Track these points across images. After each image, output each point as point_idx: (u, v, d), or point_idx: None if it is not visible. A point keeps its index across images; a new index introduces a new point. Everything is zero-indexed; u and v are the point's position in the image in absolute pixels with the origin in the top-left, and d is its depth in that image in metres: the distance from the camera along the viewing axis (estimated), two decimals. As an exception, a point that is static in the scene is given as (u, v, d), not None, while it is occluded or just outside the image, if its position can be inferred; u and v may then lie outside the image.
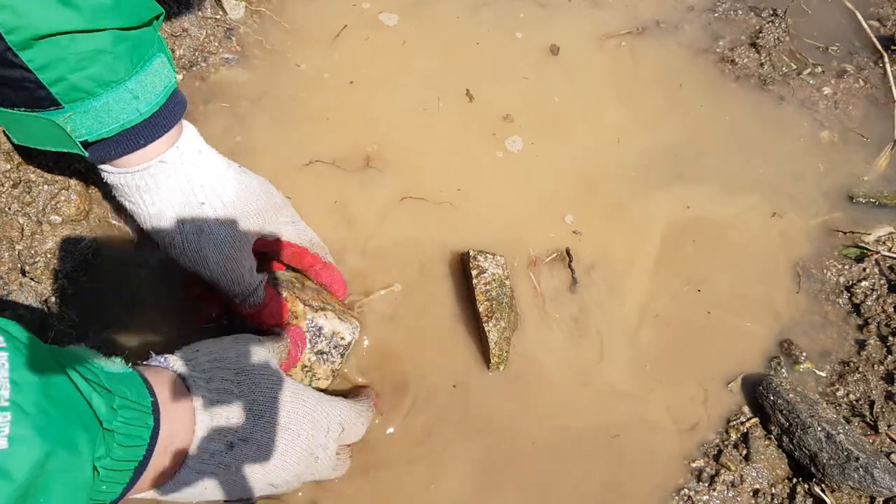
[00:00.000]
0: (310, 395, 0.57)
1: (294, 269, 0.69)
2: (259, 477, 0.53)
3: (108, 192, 0.74)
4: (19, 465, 0.34)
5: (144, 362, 0.52)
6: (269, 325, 0.63)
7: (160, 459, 0.47)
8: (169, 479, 0.48)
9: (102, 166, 0.55)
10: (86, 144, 0.52)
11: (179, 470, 0.48)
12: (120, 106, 0.50)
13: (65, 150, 0.51)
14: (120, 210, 0.74)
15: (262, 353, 0.56)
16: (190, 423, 0.49)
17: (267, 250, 0.64)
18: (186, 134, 0.57)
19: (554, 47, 0.89)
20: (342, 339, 0.65)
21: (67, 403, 0.38)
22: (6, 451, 0.34)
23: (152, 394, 0.47)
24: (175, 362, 0.51)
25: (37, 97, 0.47)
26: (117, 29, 0.48)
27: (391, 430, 0.66)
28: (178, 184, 0.56)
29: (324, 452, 0.56)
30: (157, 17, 0.53)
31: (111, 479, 0.42)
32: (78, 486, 0.38)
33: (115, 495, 0.44)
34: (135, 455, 0.44)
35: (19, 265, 0.67)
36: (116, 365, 0.46)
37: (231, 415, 0.51)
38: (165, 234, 0.57)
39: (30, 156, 0.71)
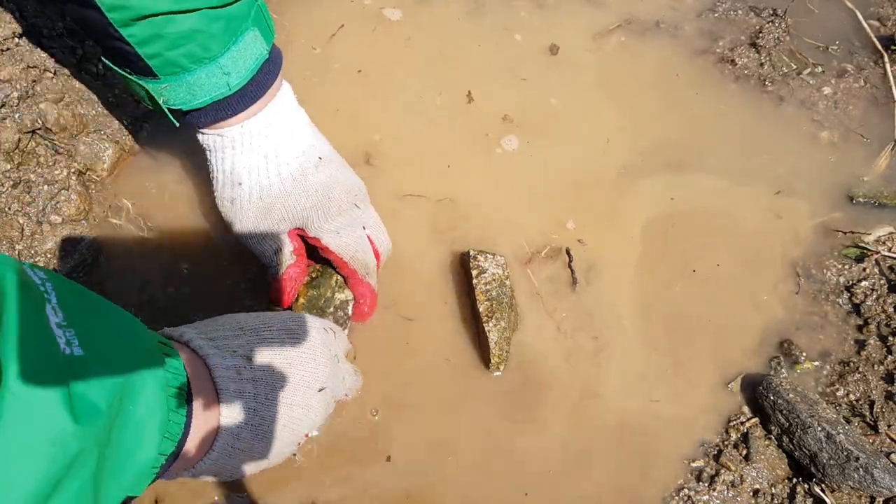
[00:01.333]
0: (290, 312, 0.60)
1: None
2: (304, 380, 0.54)
3: (108, 191, 0.74)
4: (105, 365, 0.36)
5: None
6: (272, 300, 0.65)
7: (199, 400, 0.47)
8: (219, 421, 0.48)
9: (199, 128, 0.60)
10: (181, 111, 0.56)
11: (220, 398, 0.49)
12: (212, 81, 0.54)
13: (158, 112, 0.56)
14: (120, 210, 0.74)
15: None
16: (200, 363, 0.49)
17: (314, 244, 0.65)
18: (267, 110, 0.60)
19: (553, 47, 0.89)
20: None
21: (121, 320, 0.40)
22: (83, 356, 0.35)
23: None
24: (161, 331, 0.52)
25: (137, 66, 0.52)
26: (211, 8, 0.50)
27: (395, 425, 0.66)
28: (227, 160, 0.61)
29: (338, 352, 0.60)
30: None
31: (176, 410, 0.42)
32: (159, 388, 0.40)
33: (178, 434, 0.43)
34: (182, 382, 0.44)
35: (19, 265, 0.67)
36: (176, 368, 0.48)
37: (228, 337, 0.52)
38: (215, 192, 0.64)
39: (30, 156, 0.71)
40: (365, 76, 0.87)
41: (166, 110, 0.55)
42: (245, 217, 0.62)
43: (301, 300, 0.65)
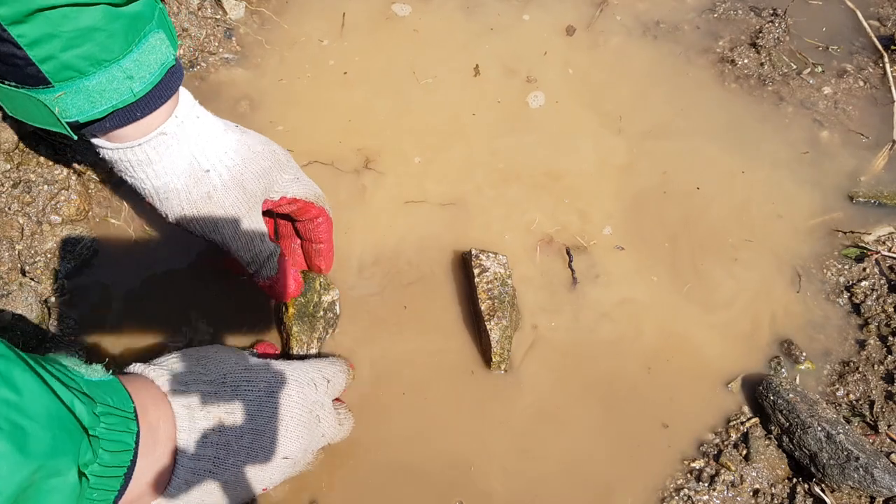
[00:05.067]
0: (280, 361, 0.58)
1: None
2: (268, 449, 0.52)
3: (108, 191, 0.74)
4: (3, 479, 0.34)
5: (120, 372, 0.52)
6: (282, 299, 0.65)
7: (149, 460, 0.46)
8: (171, 478, 0.48)
9: (98, 142, 0.53)
10: (77, 123, 0.50)
11: (177, 460, 0.48)
12: (113, 86, 0.48)
13: (52, 129, 0.50)
14: (119, 210, 0.74)
15: (226, 348, 0.58)
16: (168, 415, 0.49)
17: (273, 208, 0.63)
18: (183, 100, 0.55)
19: (570, 27, 0.89)
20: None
21: (46, 413, 0.37)
22: None
23: (132, 399, 0.47)
24: (141, 368, 0.52)
25: (26, 74, 0.45)
26: (111, 5, 0.46)
27: (396, 425, 0.66)
28: (181, 154, 0.54)
29: (322, 409, 0.58)
30: None
31: (101, 486, 0.42)
32: (66, 496, 0.38)
33: (108, 502, 0.43)
34: (123, 460, 0.43)
35: (19, 265, 0.67)
36: (97, 373, 0.46)
37: (205, 392, 0.51)
38: (174, 206, 0.55)
39: (30, 156, 0.71)
40: (362, 76, 0.87)
41: (64, 123, 0.48)
42: (228, 204, 0.56)
43: (291, 310, 0.65)
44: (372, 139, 0.82)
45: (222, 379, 0.53)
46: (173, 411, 0.49)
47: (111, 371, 0.48)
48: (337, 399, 0.63)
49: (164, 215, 0.57)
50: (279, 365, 0.57)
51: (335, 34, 0.89)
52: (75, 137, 0.51)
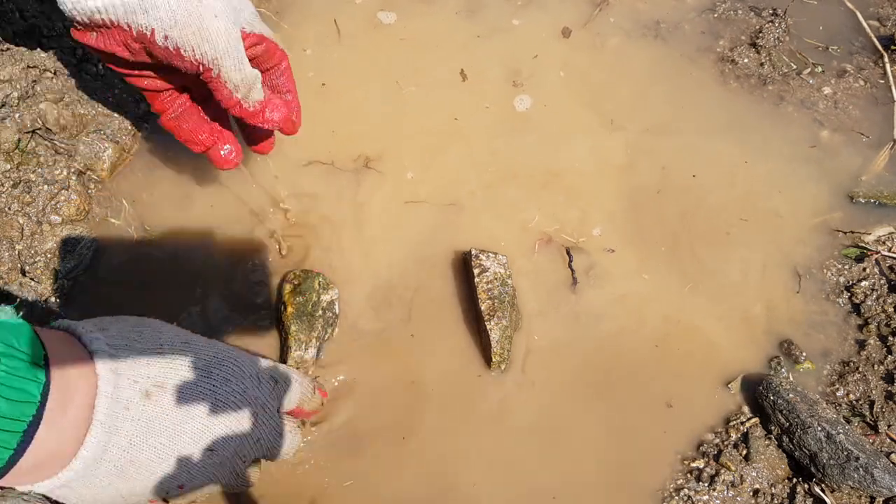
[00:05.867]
0: (226, 347, 0.53)
1: None
2: (194, 434, 0.47)
3: (108, 191, 0.74)
4: None
5: (46, 326, 0.47)
6: (277, 126, 0.61)
7: (58, 425, 0.41)
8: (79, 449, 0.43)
9: None
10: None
11: (90, 429, 0.42)
12: None
13: None
14: (119, 210, 0.74)
15: (165, 323, 0.52)
16: (90, 378, 0.43)
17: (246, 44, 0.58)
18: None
19: (566, 29, 0.89)
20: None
21: None
22: None
23: (44, 348, 0.41)
24: (67, 323, 0.46)
25: None
26: None
27: (396, 424, 0.67)
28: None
29: (262, 410, 0.52)
30: None
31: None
32: None
33: (1, 461, 0.38)
34: (23, 413, 0.38)
35: (19, 265, 0.67)
36: (5, 313, 0.41)
37: (136, 359, 0.46)
38: (163, 15, 0.50)
39: (30, 156, 0.71)
40: (354, 80, 0.87)
41: None
42: (218, 8, 0.53)
43: (290, 309, 0.65)
44: (372, 143, 0.82)
45: (157, 349, 0.48)
46: (97, 375, 0.44)
47: (20, 314, 0.42)
48: (290, 412, 0.57)
49: (146, 32, 0.51)
50: (223, 347, 0.52)
51: (332, 39, 0.89)
52: None
